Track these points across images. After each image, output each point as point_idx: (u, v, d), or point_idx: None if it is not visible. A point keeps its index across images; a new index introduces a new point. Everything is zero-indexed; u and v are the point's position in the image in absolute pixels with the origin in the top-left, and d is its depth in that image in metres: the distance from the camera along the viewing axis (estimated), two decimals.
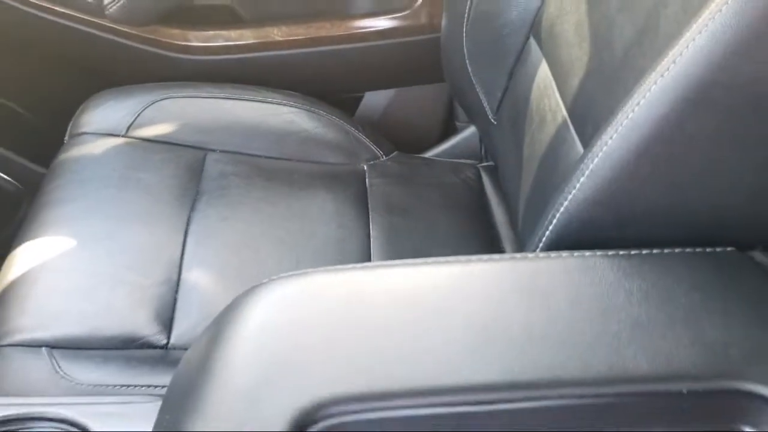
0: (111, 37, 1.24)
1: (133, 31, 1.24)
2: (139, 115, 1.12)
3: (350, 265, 0.56)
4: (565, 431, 0.44)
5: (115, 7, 1.21)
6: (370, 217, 1.02)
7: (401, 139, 1.23)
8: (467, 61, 1.08)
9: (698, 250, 0.56)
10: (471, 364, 0.46)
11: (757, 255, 0.55)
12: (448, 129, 1.32)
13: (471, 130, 1.22)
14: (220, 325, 0.52)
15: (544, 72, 0.92)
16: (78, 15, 1.22)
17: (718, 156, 0.56)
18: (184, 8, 1.29)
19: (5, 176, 1.31)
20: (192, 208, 0.99)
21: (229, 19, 1.30)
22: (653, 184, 0.57)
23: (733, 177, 0.57)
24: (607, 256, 0.54)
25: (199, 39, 1.26)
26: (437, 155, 1.24)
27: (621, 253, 0.55)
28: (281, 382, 0.46)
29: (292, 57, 1.27)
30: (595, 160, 0.57)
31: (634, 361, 0.46)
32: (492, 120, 1.06)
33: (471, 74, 1.07)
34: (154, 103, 1.14)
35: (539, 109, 0.90)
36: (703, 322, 0.48)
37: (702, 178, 0.57)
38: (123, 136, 1.09)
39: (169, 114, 1.13)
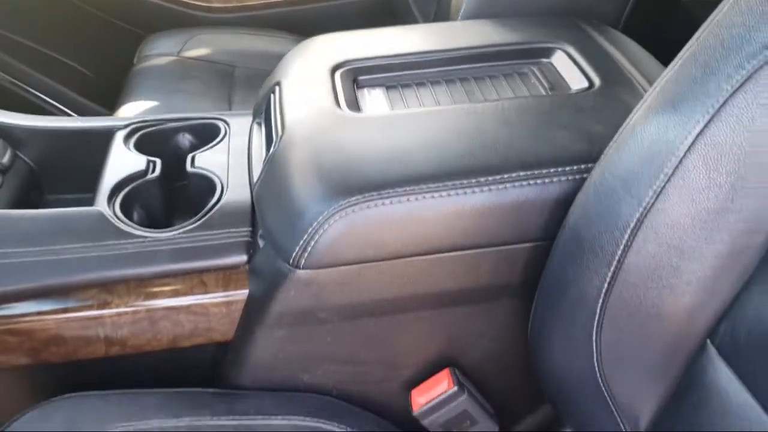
0: (153, 2, 1.75)
1: None
2: (185, 44, 1.62)
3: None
4: (460, 66, 0.95)
5: None
6: None
7: None
8: None
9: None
10: (418, 44, 0.97)
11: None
12: None
13: None
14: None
15: None
16: None
17: None
18: None
19: (69, 111, 1.76)
20: (230, 90, 1.49)
21: None
22: None
23: None
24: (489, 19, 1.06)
25: (219, 2, 1.77)
26: None
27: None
28: (321, 59, 0.96)
29: (286, 13, 1.79)
30: None
31: (494, 39, 0.97)
32: None
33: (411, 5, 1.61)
34: (193, 37, 1.64)
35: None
36: (530, 27, 1.00)
37: None
38: (176, 56, 1.59)
39: (206, 44, 1.63)
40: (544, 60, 0.96)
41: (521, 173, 0.75)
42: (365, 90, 0.93)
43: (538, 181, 0.75)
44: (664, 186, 0.63)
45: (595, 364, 0.70)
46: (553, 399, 0.80)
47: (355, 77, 0.94)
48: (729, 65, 0.61)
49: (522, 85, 0.92)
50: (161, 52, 1.61)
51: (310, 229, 0.73)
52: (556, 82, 0.91)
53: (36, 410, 0.75)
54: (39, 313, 0.79)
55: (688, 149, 0.62)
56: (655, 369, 0.68)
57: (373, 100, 0.91)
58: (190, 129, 1.02)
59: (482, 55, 0.96)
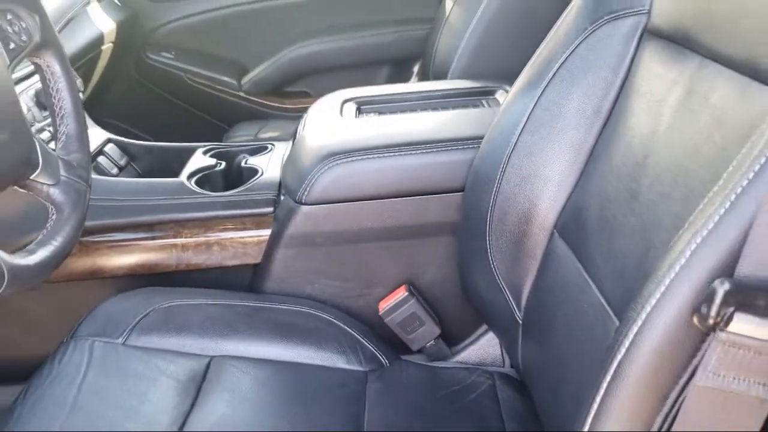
0: (240, 102, 2.28)
1: (254, 98, 2.27)
2: (260, 129, 2.11)
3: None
4: (433, 101, 1.36)
5: (247, 86, 2.26)
6: None
7: None
8: None
9: None
10: (407, 89, 1.40)
11: None
12: None
13: None
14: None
15: None
16: (222, 88, 2.26)
17: None
18: (281, 90, 2.33)
19: None
20: None
21: (304, 95, 2.33)
22: None
23: None
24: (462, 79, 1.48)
25: (289, 103, 2.28)
26: None
27: None
28: (337, 98, 1.39)
29: None
30: None
31: (461, 86, 1.39)
32: None
33: None
34: (267, 124, 2.14)
35: None
36: (487, 80, 1.41)
37: None
38: (253, 136, 2.07)
39: (277, 129, 2.12)
40: (491, 97, 1.36)
41: (450, 143, 1.14)
42: (364, 114, 1.35)
43: (461, 148, 1.14)
44: (521, 131, 1.01)
45: (489, 257, 1.05)
46: (476, 306, 1.13)
47: (359, 106, 1.36)
48: (558, 52, 1.00)
49: (472, 109, 1.32)
50: (242, 134, 2.10)
51: (309, 176, 1.13)
52: (494, 106, 1.31)
53: (122, 294, 1.15)
54: (135, 239, 1.20)
55: (534, 106, 1.00)
56: (526, 252, 1.02)
57: (368, 117, 1.33)
58: (248, 150, 1.46)
59: (449, 94, 1.38)
